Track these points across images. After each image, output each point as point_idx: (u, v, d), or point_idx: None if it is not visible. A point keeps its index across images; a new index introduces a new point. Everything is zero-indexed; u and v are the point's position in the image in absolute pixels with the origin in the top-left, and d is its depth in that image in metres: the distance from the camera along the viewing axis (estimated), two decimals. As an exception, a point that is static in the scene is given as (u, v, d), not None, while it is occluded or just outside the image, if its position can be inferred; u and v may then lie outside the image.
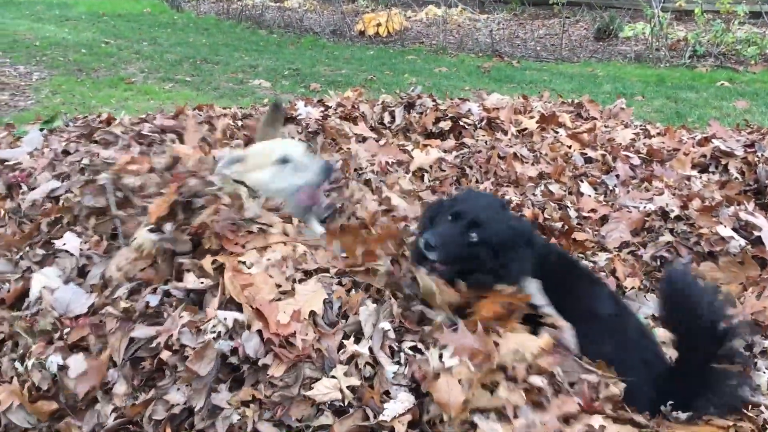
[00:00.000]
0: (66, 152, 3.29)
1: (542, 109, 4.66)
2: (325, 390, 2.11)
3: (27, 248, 2.63)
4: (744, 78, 9.19)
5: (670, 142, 4.42)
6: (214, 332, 2.17)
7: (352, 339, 2.20)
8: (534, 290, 2.33)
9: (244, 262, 2.34)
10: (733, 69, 9.64)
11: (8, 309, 2.44)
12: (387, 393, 2.09)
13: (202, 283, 2.29)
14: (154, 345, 2.21)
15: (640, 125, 4.87)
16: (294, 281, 2.32)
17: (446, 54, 11.97)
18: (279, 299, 2.25)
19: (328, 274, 2.38)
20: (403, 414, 2.02)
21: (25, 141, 3.49)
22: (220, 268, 2.33)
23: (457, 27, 13.80)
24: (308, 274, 2.36)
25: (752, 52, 9.84)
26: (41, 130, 3.81)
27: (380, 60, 11.52)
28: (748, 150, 4.11)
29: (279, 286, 2.27)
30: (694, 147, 4.32)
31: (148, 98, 9.27)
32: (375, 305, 2.28)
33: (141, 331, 2.24)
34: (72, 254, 2.52)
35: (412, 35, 13.42)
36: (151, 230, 2.45)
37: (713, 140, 4.28)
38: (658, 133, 4.65)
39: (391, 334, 2.20)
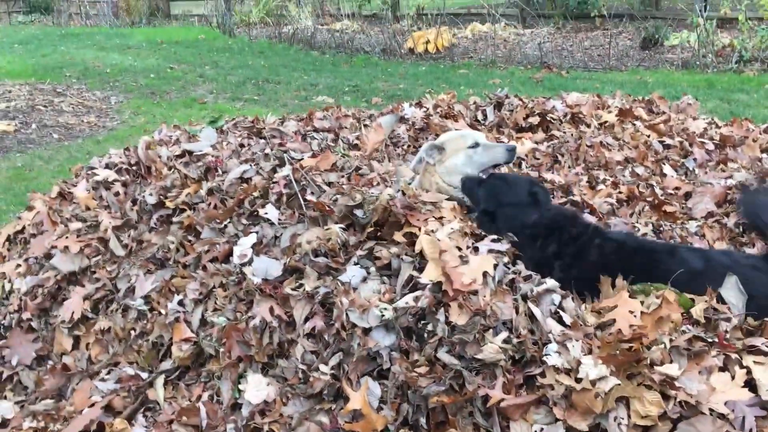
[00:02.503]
0: (242, 145, 3.91)
1: (619, 104, 5.17)
2: (494, 343, 2.58)
3: (234, 218, 3.24)
4: (792, 80, 9.61)
5: (738, 131, 4.87)
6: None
7: (520, 299, 2.65)
8: None
9: (430, 230, 2.86)
10: (781, 72, 10.06)
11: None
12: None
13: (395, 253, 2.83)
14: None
15: (709, 119, 5.34)
16: (469, 248, 2.81)
17: (496, 67, 12.50)
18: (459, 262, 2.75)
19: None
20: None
21: (203, 136, 4.11)
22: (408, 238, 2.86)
23: (503, 41, 14.34)
24: (479, 239, 2.88)
25: (797, 55, 10.26)
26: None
27: (434, 75, 12.09)
28: (812, 135, 4.56)
29: (459, 249, 2.77)
30: (761, 134, 4.77)
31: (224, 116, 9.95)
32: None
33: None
34: (272, 223, 3.10)
35: (460, 51, 13.97)
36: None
37: (779, 128, 4.73)
38: (726, 124, 5.11)
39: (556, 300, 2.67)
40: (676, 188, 4.10)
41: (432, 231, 2.85)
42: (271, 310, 2.82)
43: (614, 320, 2.58)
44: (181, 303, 3.11)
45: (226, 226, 3.26)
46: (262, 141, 4.01)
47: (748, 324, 2.51)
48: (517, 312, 2.62)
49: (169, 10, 23.13)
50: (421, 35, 14.23)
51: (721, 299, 2.62)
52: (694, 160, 4.45)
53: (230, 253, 3.10)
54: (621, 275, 2.75)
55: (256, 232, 3.12)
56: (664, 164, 4.37)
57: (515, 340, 2.55)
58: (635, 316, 2.58)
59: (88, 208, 3.84)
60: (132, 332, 3.18)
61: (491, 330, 2.58)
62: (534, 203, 3.10)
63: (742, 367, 2.36)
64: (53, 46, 16.73)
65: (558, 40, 14.20)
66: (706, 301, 2.59)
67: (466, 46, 14.42)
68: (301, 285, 2.88)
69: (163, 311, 3.13)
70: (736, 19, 11.37)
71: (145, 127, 9.41)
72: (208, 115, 10.12)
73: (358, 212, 3.03)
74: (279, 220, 3.13)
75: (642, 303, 2.64)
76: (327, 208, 3.04)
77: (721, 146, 4.64)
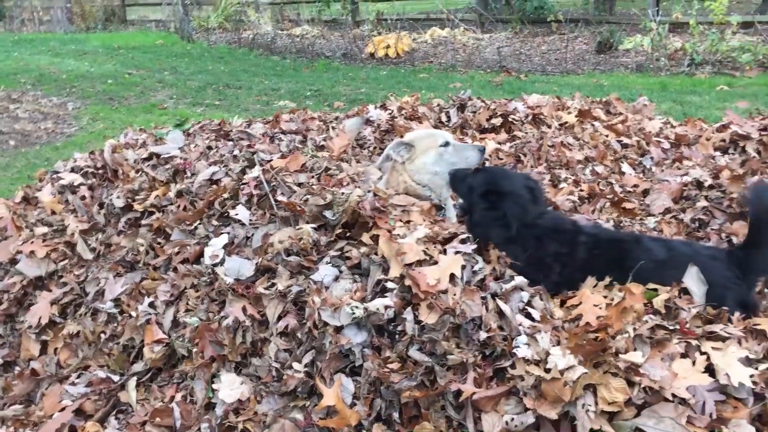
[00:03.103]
0: (209, 147, 3.92)
1: (578, 105, 5.31)
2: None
3: (204, 220, 3.24)
4: (741, 82, 9.89)
5: (692, 130, 5.04)
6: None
7: (489, 296, 2.71)
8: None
9: (397, 234, 2.90)
10: (731, 75, 10.35)
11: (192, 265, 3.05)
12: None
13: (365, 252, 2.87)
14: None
15: (664, 119, 5.51)
16: (437, 251, 2.86)
17: (456, 71, 12.62)
18: (423, 262, 2.80)
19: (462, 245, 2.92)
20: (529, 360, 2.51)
21: (170, 139, 4.09)
22: (375, 240, 2.89)
23: (463, 46, 14.49)
24: (446, 242, 2.92)
25: (747, 58, 10.56)
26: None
27: (395, 79, 12.16)
28: (763, 133, 4.72)
29: (426, 252, 2.82)
30: (713, 133, 4.94)
31: (190, 119, 9.86)
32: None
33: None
34: (243, 223, 3.12)
35: (420, 55, 14.09)
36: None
37: (731, 126, 4.89)
38: (680, 124, 5.28)
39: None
40: (635, 186, 4.24)
41: (399, 236, 2.89)
42: (244, 309, 2.84)
43: (581, 315, 2.67)
44: (152, 305, 3.11)
45: (196, 227, 3.28)
46: (230, 143, 4.03)
47: (708, 313, 2.62)
48: (487, 309, 2.68)
49: (125, 16, 22.84)
50: (382, 40, 14.32)
51: (683, 291, 2.73)
52: (651, 158, 4.60)
53: (201, 255, 3.11)
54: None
55: (228, 233, 3.14)
56: (622, 163, 4.51)
57: (484, 335, 2.60)
58: (600, 308, 2.67)
59: (53, 213, 3.80)
60: (102, 335, 3.17)
61: (460, 328, 2.64)
62: (533, 200, 3.04)
63: (702, 353, 2.47)
64: (6, 52, 16.40)
65: (516, 45, 14.42)
66: (668, 292, 2.70)
67: (426, 51, 14.54)
68: (274, 284, 2.90)
69: (133, 314, 3.13)
70: (687, 24, 11.72)
71: (104, 132, 9.26)
72: (169, 120, 10.04)
73: (328, 213, 3.06)
74: (250, 220, 3.15)
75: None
76: (298, 208, 3.07)
77: (677, 145, 4.81)
